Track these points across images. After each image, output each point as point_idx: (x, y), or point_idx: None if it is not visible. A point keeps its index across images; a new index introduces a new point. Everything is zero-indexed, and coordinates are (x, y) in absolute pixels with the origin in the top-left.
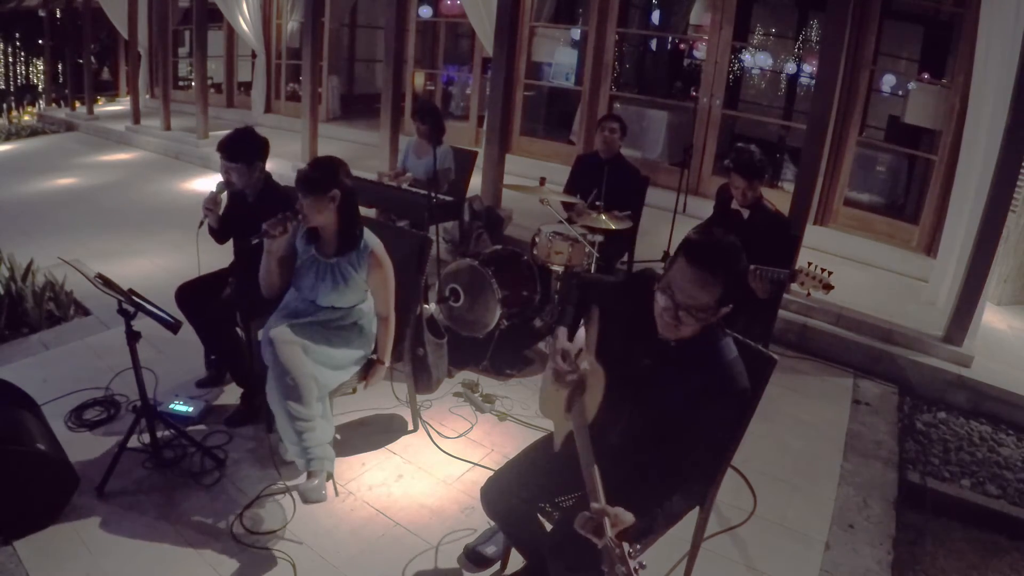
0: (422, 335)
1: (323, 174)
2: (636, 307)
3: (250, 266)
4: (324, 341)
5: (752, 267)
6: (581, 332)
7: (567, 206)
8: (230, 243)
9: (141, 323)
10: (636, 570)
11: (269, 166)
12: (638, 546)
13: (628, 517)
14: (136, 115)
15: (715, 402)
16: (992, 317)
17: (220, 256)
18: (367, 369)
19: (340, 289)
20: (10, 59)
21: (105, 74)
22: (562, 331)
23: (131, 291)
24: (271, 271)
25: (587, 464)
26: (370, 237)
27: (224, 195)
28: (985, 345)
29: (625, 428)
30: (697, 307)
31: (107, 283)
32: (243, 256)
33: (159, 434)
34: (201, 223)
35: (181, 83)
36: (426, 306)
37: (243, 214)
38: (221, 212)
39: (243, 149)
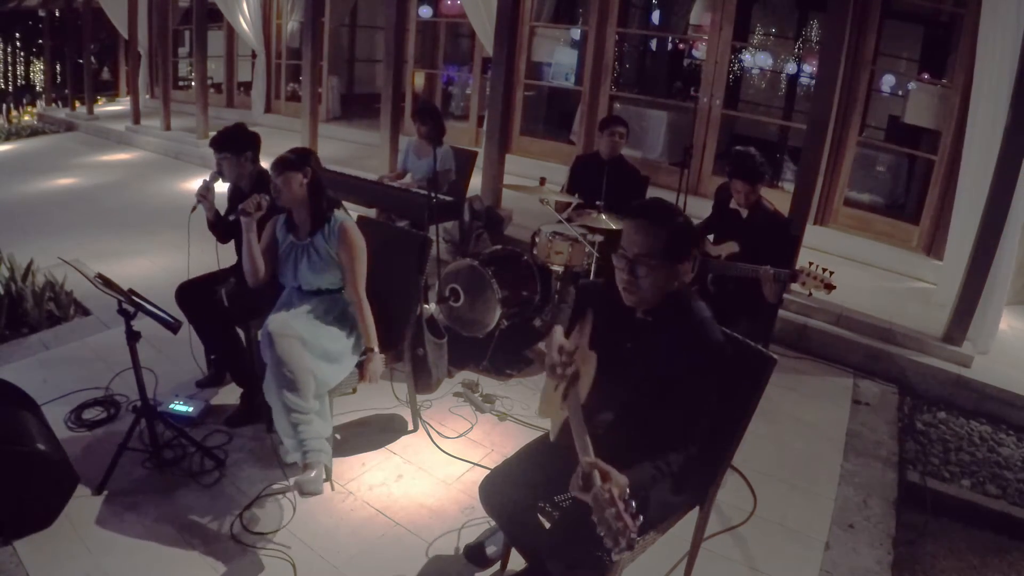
0: (422, 335)
1: (297, 156)
2: (616, 299)
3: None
4: (319, 335)
5: (768, 270)
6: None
7: (567, 206)
8: (230, 245)
9: (141, 323)
10: (626, 511)
11: (269, 165)
12: (627, 490)
13: (622, 479)
14: (136, 115)
15: (693, 357)
16: None
17: (219, 256)
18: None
19: (317, 267)
20: (10, 59)
21: (105, 74)
22: (558, 328)
23: (131, 291)
24: (251, 250)
25: (577, 425)
26: (342, 215)
27: (217, 183)
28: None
29: (620, 409)
30: (646, 254)
31: (107, 283)
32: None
33: (159, 434)
34: (193, 208)
35: (181, 83)
36: (426, 306)
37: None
38: (221, 212)
39: (231, 140)
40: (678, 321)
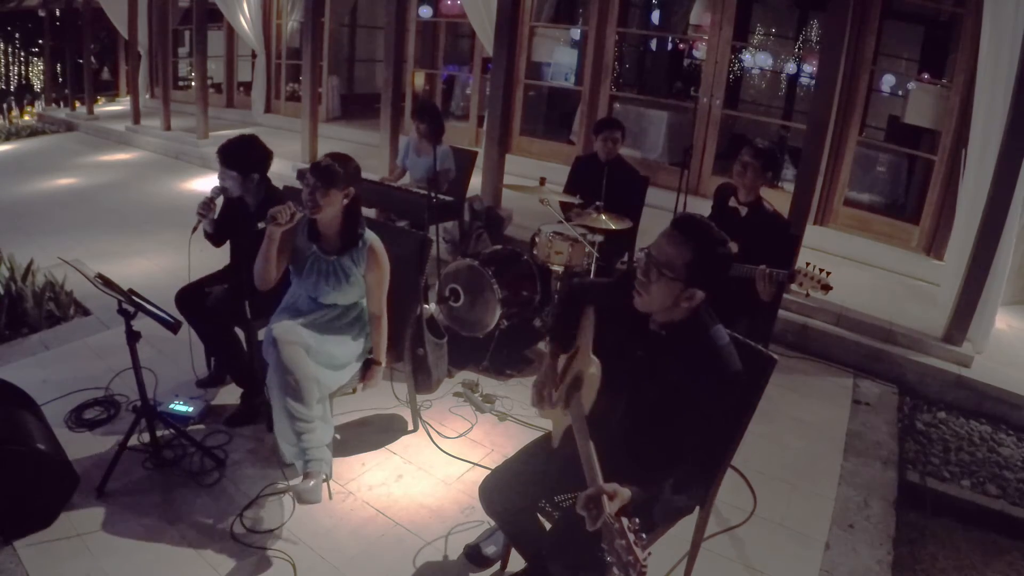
0: (422, 335)
1: (346, 171)
2: (629, 303)
3: (249, 267)
4: (325, 341)
5: (764, 268)
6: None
7: (567, 206)
8: (226, 246)
9: (141, 323)
10: (636, 543)
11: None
12: (637, 520)
13: (626, 492)
14: (136, 115)
15: (709, 388)
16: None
17: (217, 257)
18: (365, 370)
19: (343, 287)
20: (10, 59)
21: (105, 74)
22: (547, 362)
23: (131, 291)
24: (269, 261)
25: (583, 445)
26: (370, 234)
27: (220, 199)
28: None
29: (623, 418)
30: (663, 263)
31: (107, 283)
32: (241, 258)
33: (159, 434)
34: (195, 228)
35: (181, 83)
36: (426, 306)
37: (242, 218)
38: (215, 216)
39: (241, 158)
40: (694, 342)
